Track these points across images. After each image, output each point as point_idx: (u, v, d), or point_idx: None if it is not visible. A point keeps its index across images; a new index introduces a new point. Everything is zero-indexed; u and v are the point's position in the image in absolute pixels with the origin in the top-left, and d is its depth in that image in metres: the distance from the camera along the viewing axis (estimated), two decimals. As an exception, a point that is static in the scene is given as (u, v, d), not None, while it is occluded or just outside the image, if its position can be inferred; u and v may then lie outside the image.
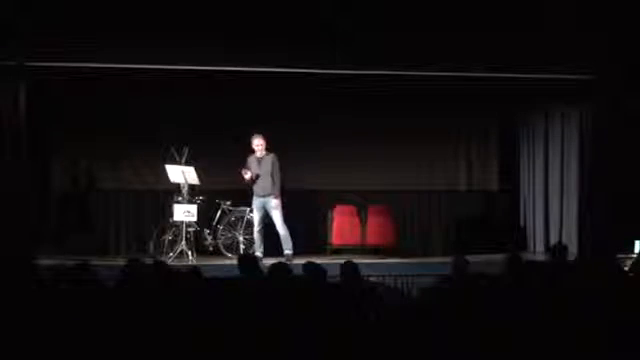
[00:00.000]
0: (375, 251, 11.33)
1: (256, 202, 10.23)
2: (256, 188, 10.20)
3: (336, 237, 11.19)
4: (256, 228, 10.22)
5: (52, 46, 9.51)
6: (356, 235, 11.29)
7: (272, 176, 10.13)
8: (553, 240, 11.66)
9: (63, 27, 9.47)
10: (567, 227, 11.74)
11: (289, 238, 10.11)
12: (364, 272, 6.24)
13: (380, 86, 10.83)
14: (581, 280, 5.52)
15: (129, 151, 11.41)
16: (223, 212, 10.98)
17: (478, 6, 9.92)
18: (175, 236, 10.37)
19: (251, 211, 10.74)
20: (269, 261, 5.60)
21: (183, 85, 10.74)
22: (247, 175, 10.15)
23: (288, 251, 10.04)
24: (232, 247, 10.87)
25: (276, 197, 10.11)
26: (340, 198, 11.53)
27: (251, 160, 10.26)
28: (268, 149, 10.28)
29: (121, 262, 5.49)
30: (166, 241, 10.41)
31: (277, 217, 10.12)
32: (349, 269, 5.81)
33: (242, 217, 10.89)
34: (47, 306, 4.67)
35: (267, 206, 10.17)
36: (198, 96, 11.05)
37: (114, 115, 11.09)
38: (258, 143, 10.20)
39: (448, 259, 6.61)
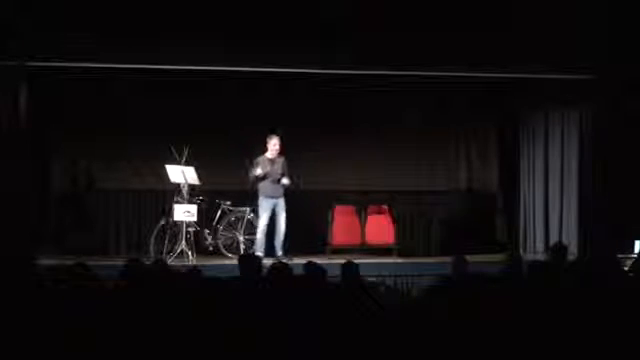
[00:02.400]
0: (375, 251, 11.32)
1: (266, 203, 10.22)
2: (267, 189, 10.21)
3: (336, 237, 11.18)
4: (262, 229, 10.22)
5: (52, 46, 9.51)
6: (356, 235, 11.28)
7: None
8: (553, 240, 11.65)
9: (63, 27, 9.48)
10: (567, 227, 11.73)
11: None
12: (364, 272, 6.23)
13: (380, 86, 10.84)
14: (581, 280, 5.52)
15: (129, 151, 11.40)
16: (223, 212, 10.98)
17: (478, 6, 9.92)
18: (175, 236, 10.36)
19: (252, 211, 10.76)
20: (269, 261, 5.61)
21: (183, 85, 10.75)
22: (258, 171, 10.09)
23: (281, 252, 10.13)
24: (232, 247, 10.86)
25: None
26: (340, 198, 11.52)
27: (262, 160, 10.22)
28: (281, 151, 10.30)
29: (121, 262, 5.48)
30: (166, 241, 10.40)
31: (284, 219, 10.20)
32: (349, 269, 5.81)
33: (242, 217, 10.89)
34: (47, 306, 4.67)
35: (277, 208, 10.20)
36: (198, 96, 11.06)
37: (114, 115, 11.09)
38: (275, 143, 10.20)
39: (448, 259, 6.60)
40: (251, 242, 10.71)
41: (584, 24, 10.01)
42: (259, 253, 10.04)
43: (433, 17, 9.89)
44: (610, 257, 6.28)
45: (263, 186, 10.25)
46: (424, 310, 4.84)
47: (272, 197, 10.21)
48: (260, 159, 10.23)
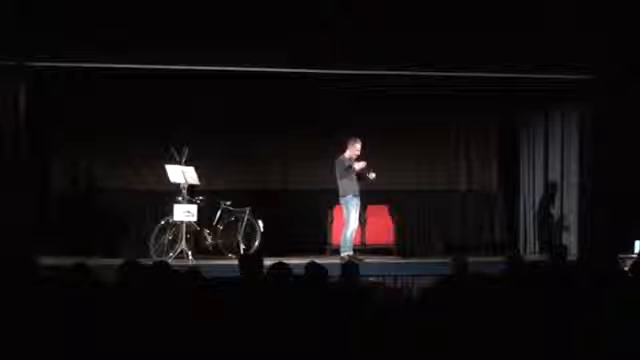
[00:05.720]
0: (375, 251, 11.33)
1: (356, 200, 10.38)
2: (355, 188, 10.38)
3: (336, 237, 11.18)
4: (354, 227, 10.39)
5: (52, 46, 9.51)
6: (356, 235, 11.28)
7: None
8: (553, 240, 11.67)
9: (63, 27, 9.48)
10: (567, 227, 11.74)
11: None
12: (364, 272, 6.24)
13: (380, 86, 10.84)
14: (581, 280, 5.52)
15: (129, 151, 11.41)
16: (223, 212, 10.97)
17: (478, 6, 9.92)
18: (175, 236, 10.36)
19: (251, 211, 10.77)
20: (269, 261, 5.61)
21: (183, 85, 10.75)
22: (373, 175, 10.47)
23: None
24: (232, 247, 10.86)
25: None
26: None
27: (347, 161, 10.41)
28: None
29: (121, 262, 5.48)
30: (166, 241, 10.39)
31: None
32: (349, 269, 5.82)
33: (242, 217, 10.88)
34: (47, 306, 4.67)
35: (359, 206, 10.44)
36: (198, 96, 11.06)
37: (114, 115, 11.09)
38: (358, 148, 10.46)
39: (448, 259, 6.60)
40: (251, 242, 10.74)
41: (584, 24, 10.01)
42: (348, 253, 10.22)
43: (433, 17, 9.89)
44: (610, 257, 6.28)
45: (352, 185, 10.35)
46: (424, 310, 4.84)
47: (358, 195, 10.39)
48: (345, 159, 10.41)
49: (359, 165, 10.36)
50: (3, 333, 4.40)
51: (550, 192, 12.08)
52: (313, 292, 5.17)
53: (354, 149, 10.46)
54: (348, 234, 10.36)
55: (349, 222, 10.37)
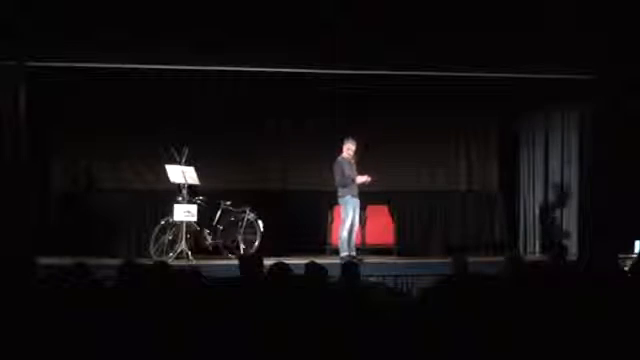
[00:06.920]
0: (375, 251, 11.33)
1: (353, 202, 10.37)
2: (353, 189, 10.38)
3: (336, 237, 11.18)
4: (349, 227, 10.35)
5: (52, 46, 9.52)
6: (356, 235, 11.29)
7: None
8: (553, 240, 11.66)
9: (63, 27, 9.48)
10: (567, 227, 11.74)
11: None
12: (364, 272, 6.24)
13: (380, 86, 10.84)
14: (581, 280, 5.52)
15: (129, 151, 11.42)
16: (223, 212, 10.97)
17: (478, 6, 9.92)
18: (175, 236, 10.36)
19: (251, 211, 10.77)
20: (269, 261, 5.61)
21: (183, 85, 10.75)
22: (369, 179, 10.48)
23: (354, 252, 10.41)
24: (232, 247, 10.86)
25: None
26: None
27: (346, 163, 10.38)
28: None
29: (120, 262, 5.48)
30: (166, 241, 10.40)
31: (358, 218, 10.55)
32: (349, 269, 5.81)
33: (242, 217, 10.88)
34: (47, 306, 4.66)
35: (357, 207, 10.44)
36: (198, 96, 11.07)
37: (114, 115, 11.09)
38: (350, 147, 10.44)
39: (448, 259, 6.60)
40: (251, 242, 10.74)
41: (584, 24, 10.01)
42: (352, 253, 10.23)
43: (432, 17, 9.89)
44: (610, 257, 6.27)
45: (351, 186, 10.37)
46: (424, 310, 4.84)
47: (356, 197, 10.41)
48: (345, 162, 10.38)
49: (361, 179, 10.38)
50: (3, 333, 4.40)
51: (550, 192, 12.08)
52: (313, 292, 5.16)
53: (349, 150, 10.44)
54: (344, 234, 10.34)
55: (345, 222, 10.35)
